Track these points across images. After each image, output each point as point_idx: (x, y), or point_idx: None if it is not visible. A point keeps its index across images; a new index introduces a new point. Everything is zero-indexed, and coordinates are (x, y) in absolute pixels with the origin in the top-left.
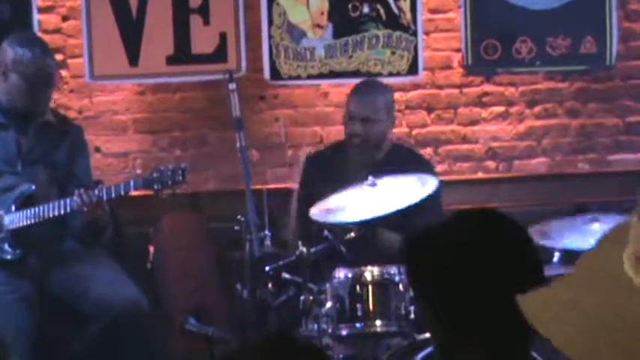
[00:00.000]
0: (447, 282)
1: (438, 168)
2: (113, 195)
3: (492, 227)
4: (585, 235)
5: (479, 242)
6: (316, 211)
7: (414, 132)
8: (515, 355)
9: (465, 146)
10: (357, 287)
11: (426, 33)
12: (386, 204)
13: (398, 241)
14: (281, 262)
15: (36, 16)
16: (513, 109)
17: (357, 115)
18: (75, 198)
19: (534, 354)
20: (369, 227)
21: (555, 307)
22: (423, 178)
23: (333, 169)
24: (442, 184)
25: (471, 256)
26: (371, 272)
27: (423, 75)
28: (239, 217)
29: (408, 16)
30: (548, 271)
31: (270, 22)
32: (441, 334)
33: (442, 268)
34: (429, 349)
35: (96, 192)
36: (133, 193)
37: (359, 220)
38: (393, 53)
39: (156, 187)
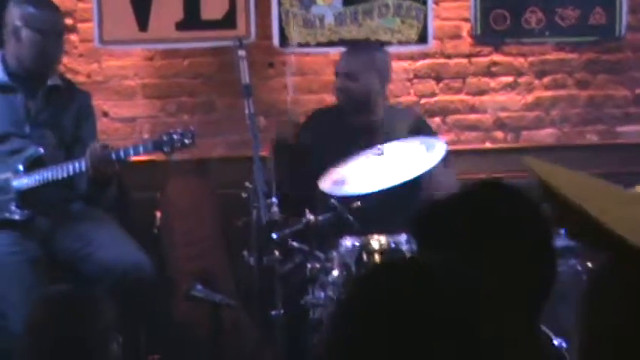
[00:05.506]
0: (460, 253)
1: (446, 137)
2: (122, 156)
3: (505, 200)
4: None
5: (492, 215)
6: (325, 184)
7: (423, 101)
8: (524, 326)
9: (473, 116)
10: (364, 255)
11: (436, 2)
12: (395, 174)
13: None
14: (288, 230)
15: None
16: (522, 80)
17: (341, 70)
18: (87, 152)
19: (544, 328)
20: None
21: None
22: (428, 141)
23: (328, 131)
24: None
25: (483, 229)
26: (378, 241)
27: (432, 44)
28: (247, 183)
29: None
30: (556, 243)
31: None
32: None
33: (455, 239)
34: None
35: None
36: (141, 158)
37: (368, 193)
38: (403, 22)
39: (165, 149)
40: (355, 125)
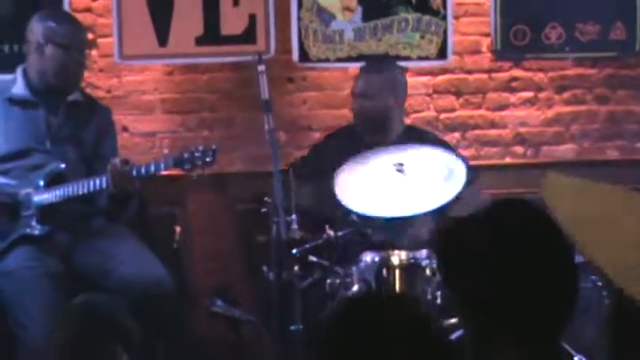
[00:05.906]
0: (483, 272)
1: (465, 153)
2: (144, 172)
3: (526, 217)
4: None
5: (513, 232)
6: (346, 198)
7: (442, 116)
8: (547, 344)
9: (493, 131)
10: (384, 271)
11: (456, 17)
12: (418, 202)
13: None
14: (307, 245)
15: None
16: (542, 95)
17: (357, 91)
18: (108, 168)
19: (565, 345)
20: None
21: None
22: (449, 164)
23: (345, 151)
24: (469, 166)
25: (504, 246)
26: (398, 256)
27: (451, 59)
28: (266, 199)
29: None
30: (577, 259)
31: (300, 5)
32: (472, 323)
33: (478, 258)
34: (456, 334)
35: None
36: (161, 173)
37: (390, 217)
38: (422, 37)
39: (186, 167)
40: (372, 144)
